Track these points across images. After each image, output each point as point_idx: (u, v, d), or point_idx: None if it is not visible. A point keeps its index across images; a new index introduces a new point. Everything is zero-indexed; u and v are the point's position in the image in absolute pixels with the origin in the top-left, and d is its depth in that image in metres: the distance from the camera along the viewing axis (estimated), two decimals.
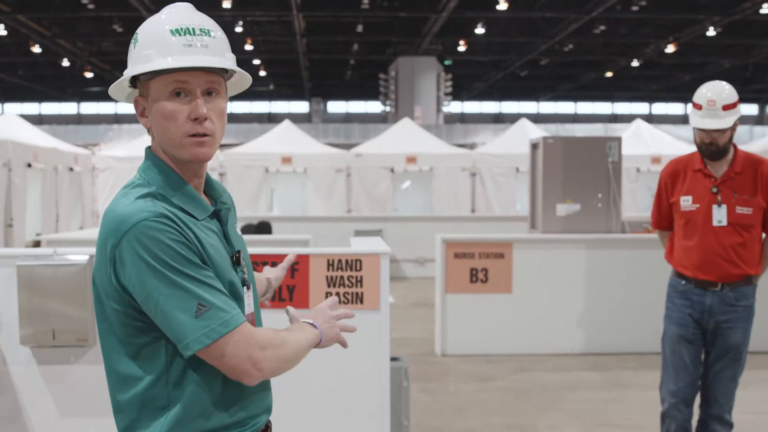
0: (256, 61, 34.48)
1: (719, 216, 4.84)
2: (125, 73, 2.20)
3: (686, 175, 5.01)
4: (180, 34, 2.13)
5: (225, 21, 23.84)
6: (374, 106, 45.75)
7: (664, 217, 5.20)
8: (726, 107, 4.79)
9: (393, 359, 5.26)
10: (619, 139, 9.63)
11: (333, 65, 39.13)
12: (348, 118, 50.08)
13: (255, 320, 2.34)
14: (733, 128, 4.81)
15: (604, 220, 9.47)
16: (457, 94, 43.40)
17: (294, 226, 14.70)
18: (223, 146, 17.23)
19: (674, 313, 5.05)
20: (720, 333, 4.90)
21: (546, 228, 9.45)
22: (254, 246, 3.95)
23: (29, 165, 13.93)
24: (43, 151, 14.79)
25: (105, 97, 47.38)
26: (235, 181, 17.26)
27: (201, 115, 2.13)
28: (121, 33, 27.45)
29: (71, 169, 16.33)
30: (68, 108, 51.79)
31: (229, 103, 2.28)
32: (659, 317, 8.81)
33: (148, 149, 2.25)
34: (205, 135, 2.15)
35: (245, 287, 2.28)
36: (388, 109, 35.41)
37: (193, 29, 2.15)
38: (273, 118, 46.32)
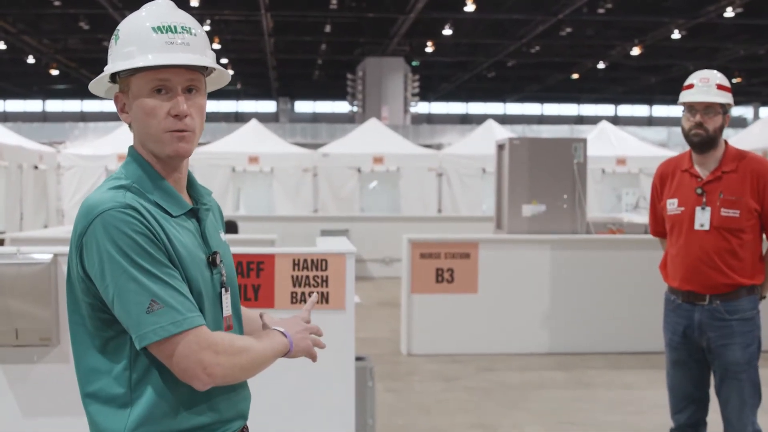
0: (224, 60, 34.31)
1: (702, 219, 4.39)
2: (106, 69, 2.21)
3: (674, 176, 4.60)
4: (162, 32, 2.14)
5: None
6: (341, 106, 45.66)
7: (659, 222, 4.77)
8: (720, 87, 4.42)
9: (358, 359, 5.27)
10: (584, 141, 9.72)
11: (301, 65, 39.02)
12: (315, 118, 49.92)
13: (232, 324, 2.31)
14: (724, 116, 4.42)
15: (570, 221, 9.54)
16: (425, 95, 43.41)
17: (260, 225, 14.63)
18: None
19: (666, 332, 4.64)
20: (715, 351, 4.41)
21: (511, 228, 9.50)
22: None
23: None
24: (8, 149, 14.63)
25: (71, 94, 47.06)
26: (202, 180, 16.55)
27: (182, 112, 2.15)
28: (87, 30, 27.21)
29: (36, 167, 16.15)
30: (33, 105, 51.19)
31: None
32: (623, 317, 9.02)
33: (131, 147, 2.26)
34: (185, 131, 2.17)
35: (223, 289, 2.26)
36: (355, 109, 35.37)
37: (175, 27, 2.17)
38: (240, 118, 46.08)
